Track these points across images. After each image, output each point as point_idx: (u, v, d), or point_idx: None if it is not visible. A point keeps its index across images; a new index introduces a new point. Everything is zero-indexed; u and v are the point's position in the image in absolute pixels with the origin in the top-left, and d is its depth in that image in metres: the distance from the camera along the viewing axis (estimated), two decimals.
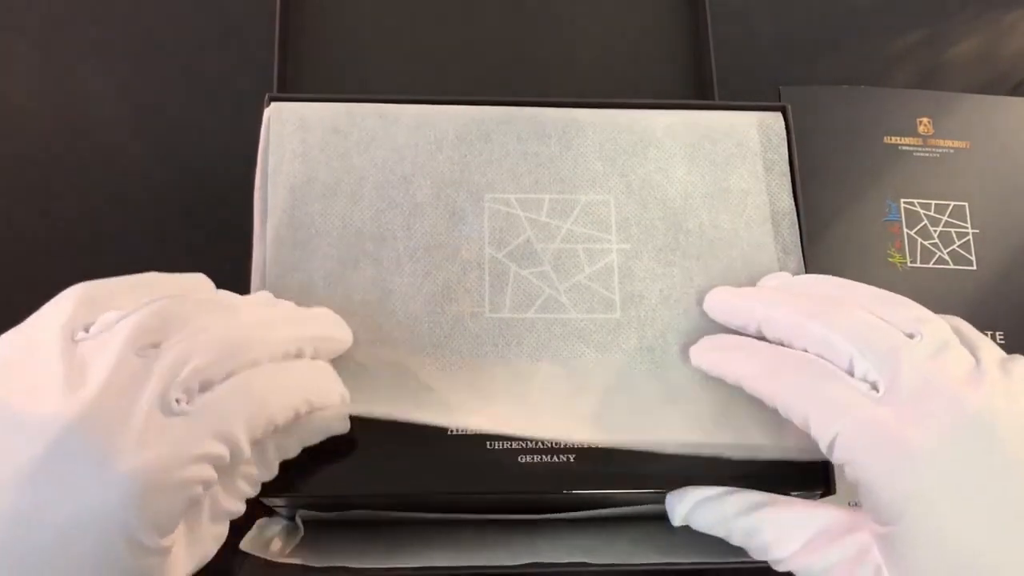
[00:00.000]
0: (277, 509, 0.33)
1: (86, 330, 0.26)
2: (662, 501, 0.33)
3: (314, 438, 0.29)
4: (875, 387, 0.27)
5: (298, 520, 0.33)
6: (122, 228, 0.42)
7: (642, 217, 0.34)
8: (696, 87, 0.49)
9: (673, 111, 0.36)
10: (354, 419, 0.30)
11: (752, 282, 0.34)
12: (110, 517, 0.23)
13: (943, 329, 0.28)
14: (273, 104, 0.34)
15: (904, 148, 0.48)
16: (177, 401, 0.24)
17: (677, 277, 0.34)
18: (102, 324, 0.25)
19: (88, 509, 0.22)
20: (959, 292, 0.47)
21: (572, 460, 0.31)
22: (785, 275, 0.33)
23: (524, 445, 0.31)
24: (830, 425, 0.27)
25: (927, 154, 0.48)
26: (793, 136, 0.36)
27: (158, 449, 0.23)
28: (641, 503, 0.34)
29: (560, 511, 0.34)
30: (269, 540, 0.32)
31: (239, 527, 0.31)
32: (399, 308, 0.32)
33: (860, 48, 0.51)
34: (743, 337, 0.31)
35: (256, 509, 0.32)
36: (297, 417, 0.28)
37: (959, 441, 0.25)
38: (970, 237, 0.47)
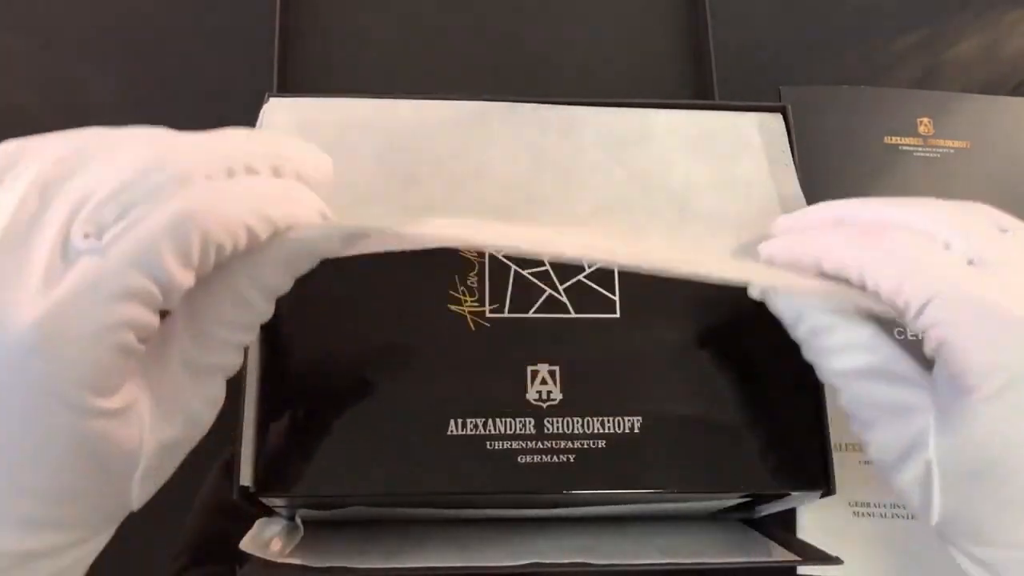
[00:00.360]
0: (277, 509, 0.33)
1: None
2: (662, 501, 0.33)
3: (298, 263, 0.25)
4: (971, 263, 0.26)
5: (298, 520, 0.33)
6: None
7: (644, 212, 0.34)
8: (696, 87, 0.49)
9: (673, 111, 0.36)
10: (353, 420, 0.30)
11: None
12: (26, 378, 0.20)
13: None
14: (271, 100, 0.34)
15: (904, 148, 0.48)
16: (86, 236, 0.21)
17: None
18: (13, 171, 0.22)
19: (6, 366, 0.20)
20: None
21: (572, 460, 0.31)
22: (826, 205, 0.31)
23: (524, 445, 0.31)
24: (926, 289, 0.26)
25: (927, 154, 0.48)
26: (793, 136, 0.36)
27: (61, 293, 0.20)
28: (641, 503, 0.34)
29: (560, 510, 0.34)
30: (269, 540, 0.32)
31: (240, 527, 0.31)
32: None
33: (860, 48, 0.50)
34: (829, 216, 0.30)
35: (256, 509, 0.32)
36: (255, 238, 0.23)
37: None
38: None
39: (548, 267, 0.33)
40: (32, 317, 0.20)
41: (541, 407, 0.32)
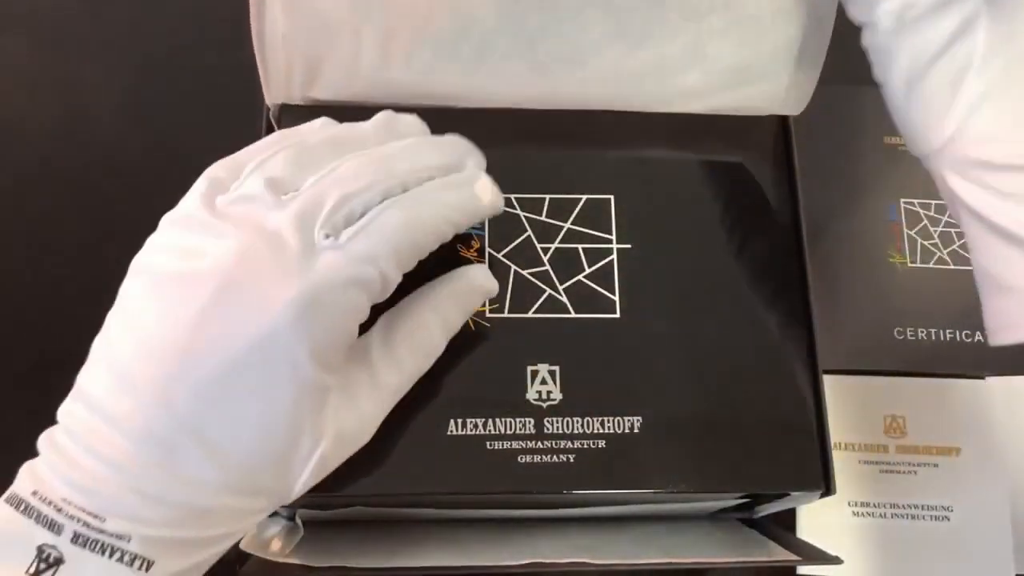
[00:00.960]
0: (277, 509, 0.33)
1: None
2: (662, 501, 0.33)
3: (468, 299, 0.31)
4: None
5: (298, 520, 0.33)
6: (122, 228, 0.42)
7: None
8: None
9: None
10: None
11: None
12: (274, 342, 0.24)
13: None
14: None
15: (904, 148, 0.48)
16: (327, 237, 0.25)
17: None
18: (237, 183, 0.27)
19: (252, 338, 0.24)
20: (959, 292, 0.47)
21: (572, 460, 0.31)
22: None
23: (524, 445, 0.31)
24: None
25: None
26: (793, 136, 0.36)
27: (311, 277, 0.25)
28: (641, 503, 0.34)
29: (560, 510, 0.34)
30: (269, 540, 0.32)
31: None
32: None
33: (860, 48, 0.50)
34: None
35: None
36: (444, 239, 0.28)
37: None
38: None
39: (548, 267, 0.33)
40: (291, 295, 0.24)
41: (541, 407, 0.32)
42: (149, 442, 0.24)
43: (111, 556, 0.23)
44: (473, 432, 0.31)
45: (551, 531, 0.35)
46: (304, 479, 0.26)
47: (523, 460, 0.31)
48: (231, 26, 0.48)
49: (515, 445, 0.31)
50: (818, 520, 0.42)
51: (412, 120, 0.31)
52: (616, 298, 0.33)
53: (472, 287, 0.31)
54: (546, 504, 0.34)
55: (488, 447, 0.31)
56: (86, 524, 0.23)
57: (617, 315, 0.33)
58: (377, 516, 0.34)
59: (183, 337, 0.24)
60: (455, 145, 0.30)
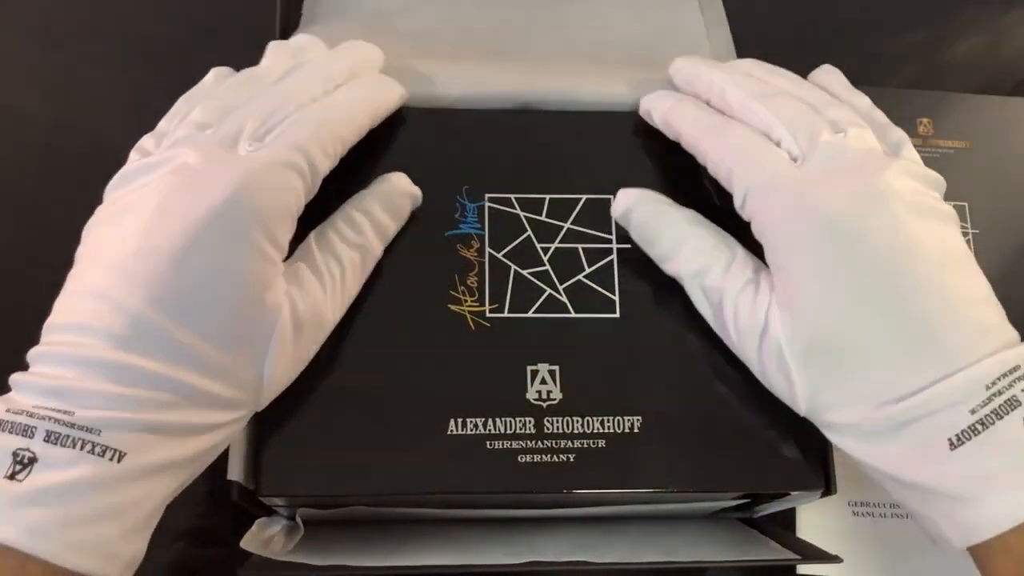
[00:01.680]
0: (277, 508, 0.33)
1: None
2: (662, 501, 0.33)
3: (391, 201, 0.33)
4: (794, 160, 0.30)
5: (298, 519, 0.33)
6: None
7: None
8: None
9: None
10: (353, 419, 0.31)
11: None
12: (222, 218, 0.27)
13: (866, 134, 0.31)
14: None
15: None
16: (249, 146, 0.29)
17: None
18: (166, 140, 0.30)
19: (202, 220, 0.26)
20: None
21: (572, 460, 0.31)
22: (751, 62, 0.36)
23: (524, 445, 0.31)
24: (748, 178, 0.30)
25: (927, 154, 0.48)
26: None
27: (246, 165, 0.28)
28: (641, 503, 0.34)
29: (560, 510, 0.34)
30: (269, 539, 0.32)
31: (238, 529, 0.31)
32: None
33: (860, 48, 0.51)
34: (695, 98, 0.34)
35: (256, 508, 0.32)
36: (365, 128, 0.32)
37: (857, 211, 0.28)
38: (970, 237, 0.47)
39: (548, 267, 0.33)
40: (230, 179, 0.27)
41: (541, 407, 0.32)
42: (112, 331, 0.25)
43: (82, 448, 0.24)
44: (473, 432, 0.31)
45: (551, 531, 0.35)
46: (270, 364, 0.28)
47: (523, 460, 0.31)
48: (232, 26, 0.48)
49: (515, 445, 0.31)
50: (818, 520, 0.41)
51: (304, 40, 0.34)
52: (616, 298, 0.33)
53: (394, 188, 0.33)
54: (546, 504, 0.34)
55: (488, 447, 0.31)
56: (56, 421, 0.24)
57: (617, 315, 0.33)
58: (377, 516, 0.35)
59: (137, 238, 0.26)
60: (351, 50, 0.34)
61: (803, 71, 0.49)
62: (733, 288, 0.30)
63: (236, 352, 0.27)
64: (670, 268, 0.32)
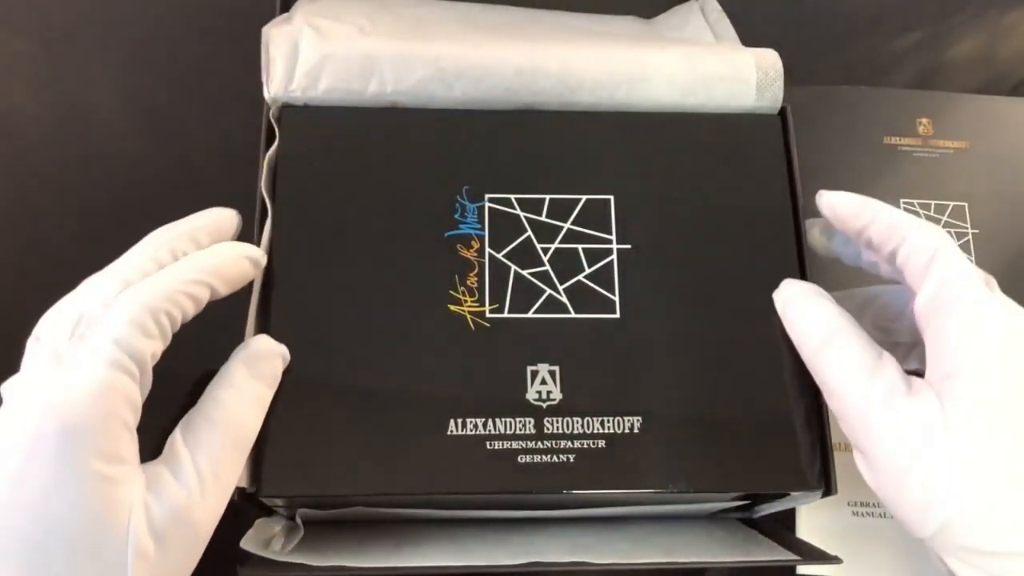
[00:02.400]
0: (277, 509, 0.33)
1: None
2: (662, 502, 0.33)
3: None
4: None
5: (298, 519, 0.33)
6: (124, 229, 0.42)
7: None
8: None
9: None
10: (352, 420, 0.31)
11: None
12: (44, 451, 0.24)
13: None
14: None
15: (904, 148, 0.48)
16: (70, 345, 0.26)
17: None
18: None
19: (26, 450, 0.24)
20: None
21: (572, 460, 0.31)
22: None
23: (524, 445, 0.31)
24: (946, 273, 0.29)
25: (927, 154, 0.48)
26: (793, 136, 0.36)
27: (61, 379, 0.25)
28: (641, 503, 0.34)
29: (560, 511, 0.34)
30: (269, 539, 0.32)
31: (238, 529, 0.31)
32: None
33: (860, 48, 0.51)
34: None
35: (256, 509, 0.32)
36: (199, 300, 0.29)
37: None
38: (970, 237, 0.47)
39: (548, 267, 0.33)
40: (47, 399, 0.25)
41: (541, 407, 0.32)
42: None
43: None
44: (473, 432, 0.31)
45: (551, 531, 0.35)
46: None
47: (523, 460, 0.31)
48: (232, 23, 0.48)
49: (515, 445, 0.31)
50: (818, 520, 0.42)
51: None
52: (616, 298, 0.33)
53: (258, 352, 0.30)
54: (546, 504, 0.34)
55: (488, 447, 0.31)
56: None
57: (617, 315, 0.33)
58: (377, 516, 0.34)
59: None
60: (202, 216, 0.31)
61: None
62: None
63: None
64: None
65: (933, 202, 0.48)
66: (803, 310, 0.32)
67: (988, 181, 0.48)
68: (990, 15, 0.52)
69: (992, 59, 0.51)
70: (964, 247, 0.47)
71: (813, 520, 0.41)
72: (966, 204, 0.47)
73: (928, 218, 0.48)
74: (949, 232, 0.48)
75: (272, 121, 0.35)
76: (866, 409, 0.29)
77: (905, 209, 0.48)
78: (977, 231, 0.47)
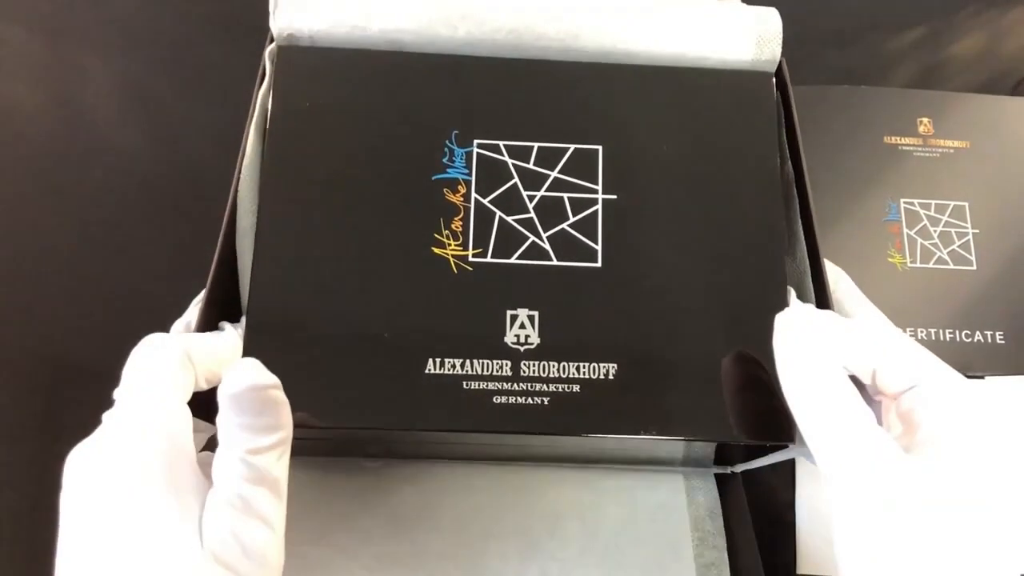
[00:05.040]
0: None
1: None
2: (635, 450, 0.33)
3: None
4: None
5: None
6: (123, 223, 0.42)
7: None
8: None
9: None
10: (332, 355, 0.31)
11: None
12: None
13: None
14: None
15: (904, 148, 0.49)
16: None
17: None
18: None
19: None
20: (959, 292, 0.47)
21: (547, 403, 0.31)
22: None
23: (500, 387, 0.31)
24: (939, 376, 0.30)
25: (927, 154, 0.48)
26: (791, 93, 0.36)
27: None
28: (615, 454, 0.33)
29: (537, 459, 0.34)
30: None
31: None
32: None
33: (860, 48, 0.51)
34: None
35: None
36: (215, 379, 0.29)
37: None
38: (970, 237, 0.47)
39: (533, 215, 0.34)
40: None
41: (518, 350, 0.32)
42: None
43: None
44: (450, 371, 0.31)
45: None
46: None
47: (498, 401, 0.31)
48: (232, 22, 0.49)
49: (491, 386, 0.31)
50: (818, 520, 0.41)
51: None
52: (599, 248, 0.33)
53: (240, 382, 0.27)
54: (519, 452, 0.33)
55: (464, 387, 0.31)
56: None
57: (599, 264, 0.33)
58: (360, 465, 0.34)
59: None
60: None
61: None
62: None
63: None
64: None
65: (933, 202, 0.48)
66: (799, 371, 0.29)
67: (988, 181, 0.48)
68: (990, 14, 0.53)
69: (992, 58, 0.52)
70: (964, 247, 0.47)
71: (813, 520, 0.40)
72: (966, 204, 0.47)
73: (928, 218, 0.48)
74: (949, 232, 0.48)
75: (267, 63, 0.35)
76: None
77: (905, 209, 0.48)
78: (977, 231, 0.47)
